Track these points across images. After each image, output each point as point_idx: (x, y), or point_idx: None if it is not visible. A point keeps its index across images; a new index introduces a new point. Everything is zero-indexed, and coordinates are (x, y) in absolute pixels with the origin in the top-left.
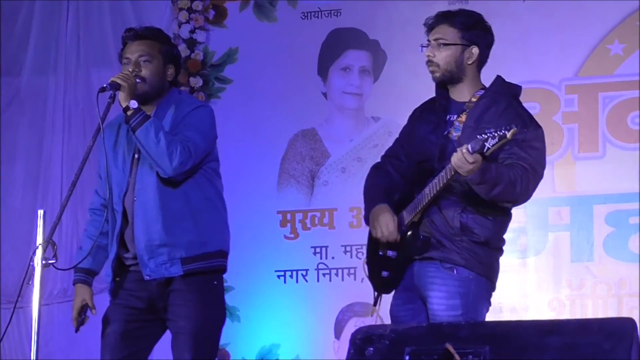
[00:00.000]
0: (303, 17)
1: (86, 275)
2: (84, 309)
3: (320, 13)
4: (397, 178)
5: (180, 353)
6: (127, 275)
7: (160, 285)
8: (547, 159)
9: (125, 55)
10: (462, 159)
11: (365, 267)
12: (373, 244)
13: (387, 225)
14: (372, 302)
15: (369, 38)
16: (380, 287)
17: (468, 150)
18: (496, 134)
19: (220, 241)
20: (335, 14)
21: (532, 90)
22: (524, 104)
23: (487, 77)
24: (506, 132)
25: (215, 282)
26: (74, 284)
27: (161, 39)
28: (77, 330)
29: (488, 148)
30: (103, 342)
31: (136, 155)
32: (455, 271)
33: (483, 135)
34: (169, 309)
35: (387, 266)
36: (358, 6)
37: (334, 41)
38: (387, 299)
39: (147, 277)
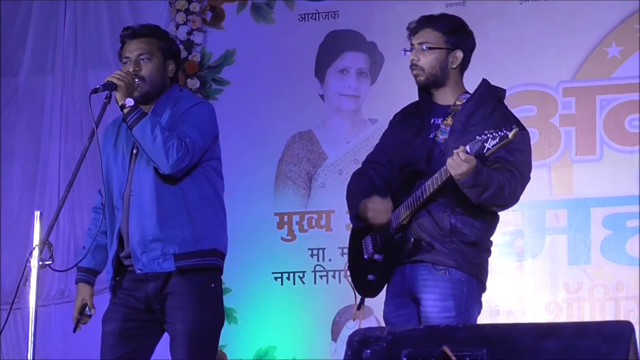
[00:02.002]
0: (300, 19)
1: (87, 275)
2: (84, 308)
3: (317, 15)
4: (380, 182)
5: (177, 355)
6: (125, 274)
7: (157, 286)
8: (545, 161)
9: (124, 54)
10: (458, 161)
11: (348, 272)
12: (356, 248)
13: (378, 204)
14: (369, 304)
15: (366, 40)
16: (366, 291)
17: (466, 152)
18: (497, 135)
19: (215, 240)
20: (333, 15)
21: (529, 93)
22: (522, 107)
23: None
24: (507, 133)
25: (212, 285)
26: (76, 283)
27: (159, 36)
28: (75, 330)
29: (488, 149)
30: (102, 342)
31: (134, 151)
32: (447, 273)
33: (482, 136)
34: (166, 311)
35: (374, 270)
36: (355, 8)
37: (331, 43)
38: (374, 302)
39: (139, 271)
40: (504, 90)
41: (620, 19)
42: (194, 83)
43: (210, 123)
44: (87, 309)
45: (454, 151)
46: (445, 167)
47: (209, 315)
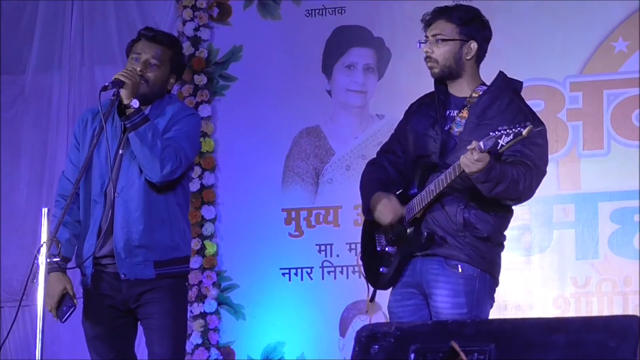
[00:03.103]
0: (307, 15)
1: (62, 262)
2: (65, 298)
3: (324, 11)
4: (394, 173)
5: (156, 349)
6: (101, 275)
7: (132, 287)
8: (552, 156)
9: (136, 50)
10: (471, 159)
11: (360, 263)
12: (369, 240)
13: (385, 205)
14: (377, 299)
15: (373, 36)
16: (378, 283)
17: (480, 148)
18: (511, 131)
19: (187, 247)
20: (340, 11)
21: (536, 88)
22: (529, 101)
23: (491, 75)
24: (522, 130)
25: (185, 284)
26: (48, 272)
27: (175, 49)
28: (64, 320)
29: (502, 145)
30: (91, 346)
31: (120, 151)
32: (460, 269)
33: (496, 132)
34: (142, 309)
35: (386, 262)
36: (362, 4)
37: (338, 39)
38: (385, 294)
39: (123, 277)
40: (521, 83)
41: (627, 13)
42: (200, 79)
43: (198, 136)
44: (70, 299)
45: (467, 148)
46: (457, 163)
47: (183, 312)
